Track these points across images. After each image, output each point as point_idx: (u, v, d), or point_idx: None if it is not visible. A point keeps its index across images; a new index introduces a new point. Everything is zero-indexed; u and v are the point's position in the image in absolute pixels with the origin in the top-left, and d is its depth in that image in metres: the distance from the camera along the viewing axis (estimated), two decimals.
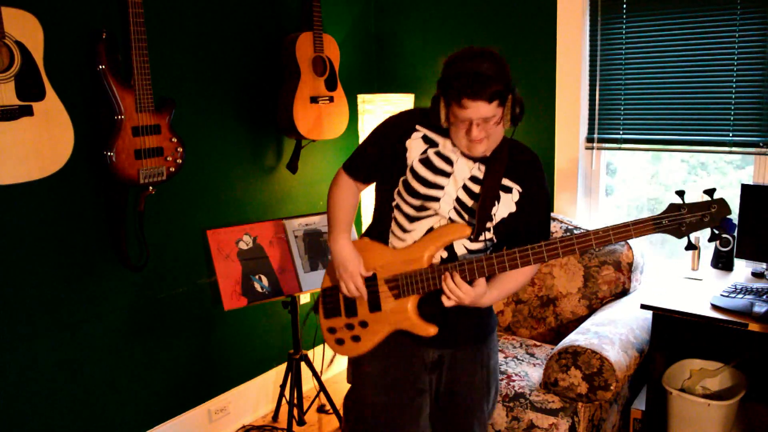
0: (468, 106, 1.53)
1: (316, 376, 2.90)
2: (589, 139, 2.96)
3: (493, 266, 1.61)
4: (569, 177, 2.98)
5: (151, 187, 2.37)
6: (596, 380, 2.16)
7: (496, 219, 1.69)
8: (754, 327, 2.10)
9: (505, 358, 2.54)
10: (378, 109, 3.10)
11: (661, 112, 2.78)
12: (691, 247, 1.53)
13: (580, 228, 2.81)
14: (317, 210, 3.22)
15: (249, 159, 2.95)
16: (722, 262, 2.61)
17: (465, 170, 1.68)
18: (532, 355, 2.59)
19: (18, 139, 1.94)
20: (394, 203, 1.73)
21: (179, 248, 2.68)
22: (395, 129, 1.73)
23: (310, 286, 2.77)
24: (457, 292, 1.60)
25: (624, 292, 2.68)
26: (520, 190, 1.70)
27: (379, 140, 1.77)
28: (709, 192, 1.50)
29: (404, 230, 1.72)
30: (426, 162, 1.68)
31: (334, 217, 1.81)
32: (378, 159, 1.76)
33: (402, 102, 3.15)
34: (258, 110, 2.94)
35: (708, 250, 2.69)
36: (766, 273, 2.49)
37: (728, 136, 2.63)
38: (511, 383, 2.35)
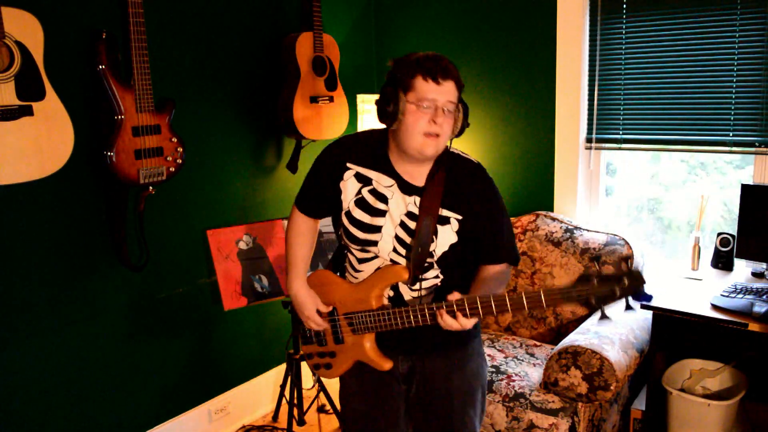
0: (442, 82, 1.53)
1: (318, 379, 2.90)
2: (589, 139, 2.96)
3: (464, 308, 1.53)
4: (569, 177, 2.98)
5: (151, 187, 2.36)
6: (596, 380, 2.16)
7: (437, 255, 1.65)
8: (754, 327, 2.10)
9: (505, 358, 2.54)
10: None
11: (660, 112, 2.78)
12: (604, 317, 1.48)
13: (580, 228, 2.81)
14: None
15: (249, 159, 2.95)
16: (722, 262, 2.61)
17: (401, 206, 1.65)
18: (532, 355, 2.59)
19: (18, 139, 1.93)
20: (343, 242, 1.75)
21: (179, 248, 2.68)
22: (328, 169, 1.72)
23: None
24: (456, 326, 1.54)
25: None
26: (460, 218, 1.64)
27: (316, 180, 1.76)
28: (625, 259, 1.44)
29: (356, 270, 1.75)
30: (361, 203, 1.67)
31: (289, 259, 1.83)
32: (320, 197, 1.77)
33: None
34: (258, 110, 2.94)
35: (708, 250, 2.69)
36: (766, 273, 2.49)
37: (728, 136, 2.63)
38: (511, 383, 2.35)
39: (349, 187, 1.69)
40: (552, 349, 2.54)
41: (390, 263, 1.68)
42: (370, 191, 1.67)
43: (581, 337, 2.30)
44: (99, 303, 2.43)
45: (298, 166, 3.02)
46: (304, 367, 2.94)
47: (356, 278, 1.75)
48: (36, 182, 2.03)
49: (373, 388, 1.83)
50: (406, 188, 1.65)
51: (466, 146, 3.25)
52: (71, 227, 2.31)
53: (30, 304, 2.23)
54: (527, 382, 2.35)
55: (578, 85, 2.89)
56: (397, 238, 1.66)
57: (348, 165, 1.69)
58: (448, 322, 1.55)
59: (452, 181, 1.65)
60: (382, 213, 1.66)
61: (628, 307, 1.42)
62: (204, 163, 2.73)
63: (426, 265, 1.66)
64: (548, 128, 3.00)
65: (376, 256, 1.69)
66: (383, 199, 1.66)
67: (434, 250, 1.64)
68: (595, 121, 2.93)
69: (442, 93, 1.53)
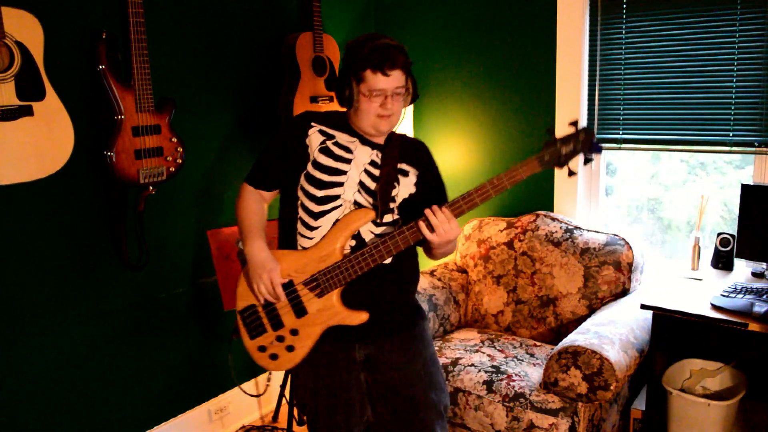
0: (389, 74, 1.67)
1: None
2: None
3: (461, 207, 1.68)
4: (569, 177, 2.97)
5: (151, 187, 2.37)
6: (596, 380, 2.16)
7: (399, 199, 1.79)
8: (754, 327, 2.10)
9: (505, 358, 2.54)
10: None
11: (660, 112, 2.78)
12: (572, 173, 1.70)
13: (580, 228, 2.81)
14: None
15: (249, 159, 2.94)
16: (722, 262, 2.61)
17: (365, 156, 1.79)
18: (532, 355, 2.59)
19: (18, 139, 1.94)
20: (298, 202, 1.79)
21: (179, 248, 2.68)
22: (292, 130, 1.82)
23: None
24: (446, 225, 1.65)
25: (624, 292, 2.68)
26: (417, 173, 1.83)
27: (278, 145, 1.85)
28: (574, 123, 1.68)
29: (311, 228, 1.77)
30: (326, 150, 1.78)
31: (245, 225, 1.84)
32: (278, 162, 1.83)
33: None
34: (258, 110, 2.94)
35: (708, 250, 2.69)
36: (766, 273, 2.49)
37: (728, 136, 2.63)
38: (511, 383, 2.35)
39: (314, 140, 1.79)
40: (552, 349, 2.54)
41: (353, 208, 1.75)
42: (333, 143, 1.79)
43: (581, 337, 2.30)
44: (99, 303, 2.43)
45: None
46: None
47: (311, 238, 1.77)
48: (36, 182, 2.03)
49: (329, 379, 1.84)
50: (368, 143, 1.80)
51: (465, 146, 3.25)
52: (71, 227, 2.31)
53: (30, 304, 2.23)
54: (527, 382, 2.35)
55: (578, 85, 2.89)
56: (361, 183, 1.77)
57: (312, 124, 1.81)
58: (437, 223, 1.65)
59: (406, 145, 1.85)
60: (346, 160, 1.78)
61: (587, 160, 1.69)
62: (204, 163, 2.73)
63: (388, 210, 1.78)
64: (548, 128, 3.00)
65: (336, 208, 1.75)
66: (347, 149, 1.79)
67: (396, 195, 1.78)
68: (595, 121, 2.93)
69: (390, 82, 1.68)
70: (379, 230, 1.77)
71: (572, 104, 2.92)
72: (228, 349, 2.84)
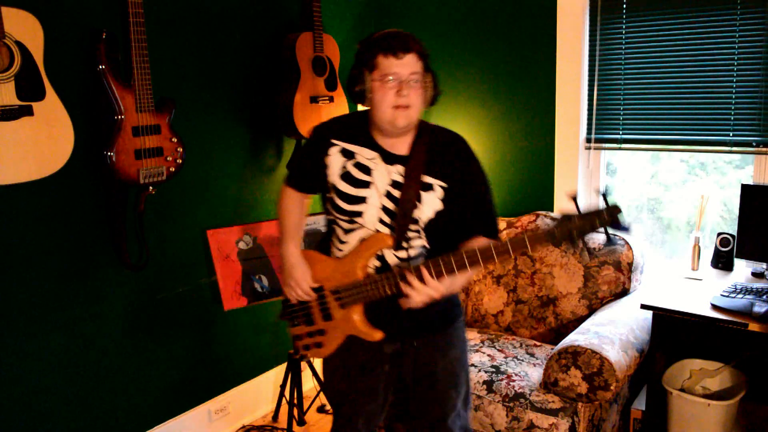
0: (401, 57, 1.60)
1: (316, 376, 2.90)
2: (589, 139, 2.96)
3: (440, 269, 1.61)
4: (569, 177, 2.98)
5: (151, 187, 2.36)
6: (596, 380, 2.16)
7: (423, 220, 1.70)
8: (754, 327, 2.10)
9: (505, 358, 2.54)
10: None
11: (660, 112, 2.78)
12: (609, 241, 1.59)
13: None
14: (317, 210, 3.22)
15: (249, 159, 2.95)
16: (722, 262, 2.61)
17: (385, 176, 1.72)
18: (532, 355, 2.59)
19: (18, 139, 1.93)
20: (330, 217, 1.81)
21: (179, 248, 2.68)
22: (315, 146, 1.80)
23: None
24: (425, 289, 1.61)
25: (624, 292, 2.68)
26: (445, 185, 1.71)
27: (305, 157, 1.86)
28: (603, 195, 1.52)
29: (341, 242, 1.79)
30: (346, 177, 1.74)
31: (282, 225, 1.89)
32: (309, 173, 1.84)
33: None
34: (258, 110, 2.94)
35: (708, 250, 2.69)
36: (766, 273, 2.49)
37: (728, 136, 2.63)
38: (511, 383, 2.35)
39: (335, 162, 1.76)
40: (552, 349, 2.54)
41: (374, 232, 1.72)
42: (354, 164, 1.74)
43: (581, 337, 2.30)
44: (99, 303, 2.43)
45: None
46: (304, 367, 2.94)
47: (341, 250, 1.79)
48: (36, 182, 2.03)
49: (357, 367, 1.87)
50: (389, 158, 1.72)
51: None
52: (71, 227, 2.31)
53: (30, 304, 2.23)
54: (527, 382, 2.35)
55: (578, 85, 2.89)
56: (383, 208, 1.71)
57: (333, 141, 1.77)
58: (417, 285, 1.60)
59: (434, 149, 1.72)
60: (365, 184, 1.72)
61: (609, 240, 1.55)
62: (204, 163, 2.73)
63: (412, 232, 1.71)
64: (548, 128, 3.00)
65: (362, 227, 1.74)
66: (366, 170, 1.73)
67: (419, 217, 1.70)
68: (594, 121, 2.93)
69: (403, 66, 1.61)
70: (400, 254, 1.73)
71: (572, 104, 2.92)
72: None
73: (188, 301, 2.74)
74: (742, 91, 2.58)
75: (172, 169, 2.37)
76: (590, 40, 2.88)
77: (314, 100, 2.87)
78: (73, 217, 2.31)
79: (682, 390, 2.43)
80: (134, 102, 2.22)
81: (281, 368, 3.13)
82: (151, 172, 2.30)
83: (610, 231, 1.51)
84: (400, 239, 1.70)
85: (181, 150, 2.37)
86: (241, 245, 2.74)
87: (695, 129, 2.71)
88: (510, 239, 1.56)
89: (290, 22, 3.00)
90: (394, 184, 1.71)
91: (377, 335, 1.77)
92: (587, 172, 3.01)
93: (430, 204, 1.70)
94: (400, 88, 1.62)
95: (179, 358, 2.74)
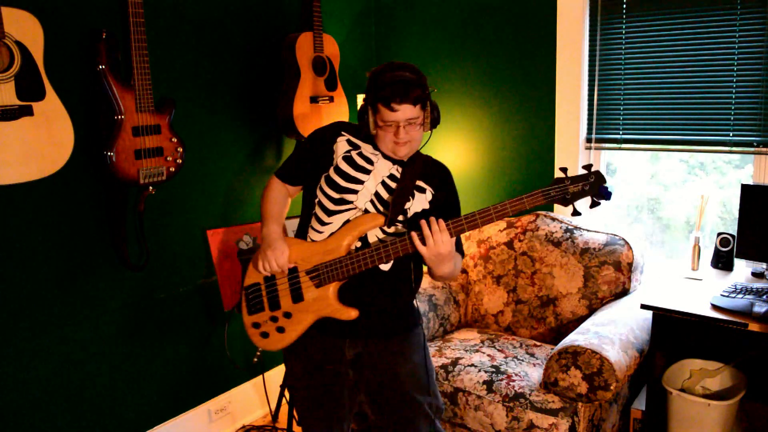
0: (396, 109, 1.73)
1: None
2: (589, 139, 2.96)
3: (453, 227, 1.71)
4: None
5: (151, 187, 2.36)
6: (596, 380, 2.16)
7: (410, 213, 1.85)
8: (754, 327, 2.10)
9: (505, 358, 2.54)
10: None
11: (660, 112, 2.78)
12: (576, 213, 1.70)
13: (580, 228, 2.81)
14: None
15: (249, 159, 2.95)
16: (722, 262, 2.61)
17: (384, 169, 1.87)
18: (532, 355, 2.59)
19: (18, 139, 1.93)
20: (315, 200, 1.89)
21: (179, 248, 2.68)
22: (323, 135, 1.93)
23: None
24: (437, 235, 1.69)
25: (624, 292, 2.68)
26: (433, 192, 1.89)
27: (308, 146, 1.96)
28: (587, 167, 1.71)
29: (322, 223, 1.86)
30: (348, 159, 1.87)
31: (265, 210, 1.95)
32: (305, 161, 1.94)
33: None
34: (258, 110, 2.94)
35: (708, 250, 2.69)
36: (766, 273, 2.49)
37: (728, 136, 2.63)
38: (511, 383, 2.35)
39: (340, 148, 1.89)
40: (552, 349, 2.54)
41: (363, 213, 1.83)
42: (357, 153, 1.88)
43: (581, 337, 2.30)
44: (99, 303, 2.43)
45: None
46: None
47: (321, 232, 1.86)
48: (36, 182, 2.03)
49: (319, 373, 1.91)
50: (390, 158, 1.87)
51: (466, 146, 3.25)
52: (71, 227, 2.31)
53: (30, 303, 2.23)
54: (527, 382, 2.35)
55: (578, 85, 2.89)
56: (376, 194, 1.85)
57: (341, 133, 1.91)
58: (428, 233, 1.69)
59: (428, 163, 1.92)
60: (366, 170, 1.86)
61: (594, 203, 1.71)
62: (204, 163, 2.73)
63: (398, 221, 1.84)
64: (548, 128, 3.00)
65: (349, 209, 1.84)
66: (369, 161, 1.87)
67: (408, 208, 1.85)
68: (595, 121, 2.93)
69: (399, 116, 1.74)
70: (384, 236, 1.84)
71: (572, 104, 2.92)
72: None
73: (188, 301, 2.74)
74: (742, 91, 2.58)
75: (172, 169, 2.37)
76: (590, 40, 2.88)
77: (314, 100, 2.87)
78: (73, 217, 2.32)
79: (682, 390, 2.43)
80: (134, 102, 2.22)
81: (281, 368, 3.13)
82: (151, 172, 2.30)
83: (596, 198, 1.70)
84: (391, 221, 1.81)
85: (181, 150, 2.38)
86: (241, 245, 2.74)
87: (695, 129, 2.71)
88: (509, 200, 1.69)
89: (290, 22, 3.00)
90: (392, 177, 1.86)
91: (353, 313, 1.81)
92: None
93: (419, 202, 1.87)
94: (397, 132, 1.77)
95: (179, 358, 2.74)
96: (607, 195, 1.68)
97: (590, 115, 2.94)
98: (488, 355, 2.55)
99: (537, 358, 2.55)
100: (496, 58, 3.13)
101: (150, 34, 2.26)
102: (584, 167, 1.71)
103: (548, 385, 2.27)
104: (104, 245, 2.41)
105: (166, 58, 2.51)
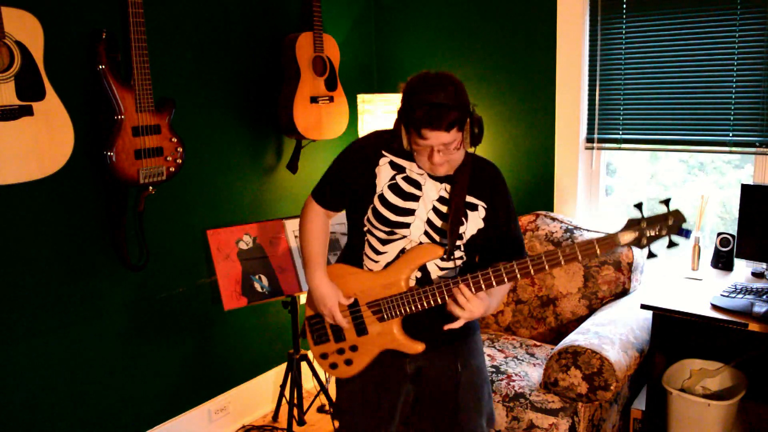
0: (428, 136, 1.57)
1: (316, 376, 2.90)
2: (589, 139, 2.96)
3: (490, 279, 1.64)
4: (569, 177, 2.98)
5: (151, 187, 2.37)
6: (596, 380, 2.16)
7: (467, 237, 1.74)
8: (754, 327, 2.10)
9: (505, 358, 2.54)
10: (377, 109, 3.10)
11: (660, 112, 2.78)
12: (651, 255, 1.59)
13: (580, 228, 2.81)
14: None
15: (249, 159, 2.95)
16: (722, 262, 2.61)
17: (433, 192, 1.73)
18: (532, 355, 2.59)
19: (18, 139, 1.93)
20: (365, 228, 1.77)
21: (179, 248, 2.68)
22: (362, 157, 1.76)
23: None
24: (469, 305, 1.64)
25: (624, 292, 2.68)
26: (486, 206, 1.76)
27: (347, 168, 1.79)
28: (665, 202, 1.59)
29: (377, 252, 1.76)
30: (395, 188, 1.73)
31: (308, 251, 1.82)
32: (346, 187, 1.79)
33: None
34: (258, 110, 2.94)
35: (708, 250, 2.69)
36: (766, 273, 2.50)
37: (728, 136, 2.63)
38: (511, 383, 2.35)
39: (384, 173, 1.74)
40: (552, 349, 2.54)
41: (419, 244, 1.72)
42: (403, 178, 1.73)
43: (581, 337, 2.30)
44: (99, 303, 2.43)
45: (298, 166, 3.02)
46: (304, 367, 2.94)
47: (377, 262, 1.76)
48: (36, 182, 2.03)
49: (377, 385, 1.84)
50: (436, 177, 1.73)
51: None
52: (71, 227, 2.31)
53: (30, 304, 2.23)
54: (527, 382, 2.35)
55: (578, 85, 2.89)
56: (428, 222, 1.73)
57: (383, 153, 1.75)
58: (464, 302, 1.63)
59: (475, 173, 1.75)
60: (415, 197, 1.72)
61: (672, 244, 1.57)
62: (204, 163, 2.73)
63: (456, 248, 1.73)
64: (548, 128, 3.00)
65: (403, 238, 1.73)
66: (416, 185, 1.73)
67: (464, 232, 1.73)
68: (595, 121, 2.93)
69: (433, 141, 1.59)
70: (444, 265, 1.75)
71: (572, 104, 2.92)
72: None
73: (188, 301, 2.74)
74: (742, 91, 2.58)
75: (172, 169, 2.37)
76: (590, 40, 2.88)
77: (314, 100, 2.87)
78: (73, 217, 2.32)
79: (682, 390, 2.44)
80: (134, 102, 2.22)
81: (281, 368, 3.13)
82: (151, 172, 2.30)
83: (673, 237, 1.57)
84: (451, 251, 1.71)
85: (181, 150, 2.38)
86: (241, 245, 2.74)
87: (695, 129, 2.71)
88: (578, 243, 1.57)
89: (290, 22, 3.00)
90: (441, 200, 1.73)
91: (419, 347, 1.75)
92: (587, 172, 3.01)
93: (474, 222, 1.74)
94: (431, 155, 1.62)
95: (179, 358, 2.74)
96: (686, 235, 1.56)
97: (590, 115, 2.94)
98: (488, 355, 2.55)
99: (537, 358, 2.55)
100: (496, 58, 3.12)
101: (150, 34, 2.25)
102: (663, 202, 1.58)
103: (548, 385, 2.27)
104: (104, 245, 2.41)
105: (166, 58, 2.50)
